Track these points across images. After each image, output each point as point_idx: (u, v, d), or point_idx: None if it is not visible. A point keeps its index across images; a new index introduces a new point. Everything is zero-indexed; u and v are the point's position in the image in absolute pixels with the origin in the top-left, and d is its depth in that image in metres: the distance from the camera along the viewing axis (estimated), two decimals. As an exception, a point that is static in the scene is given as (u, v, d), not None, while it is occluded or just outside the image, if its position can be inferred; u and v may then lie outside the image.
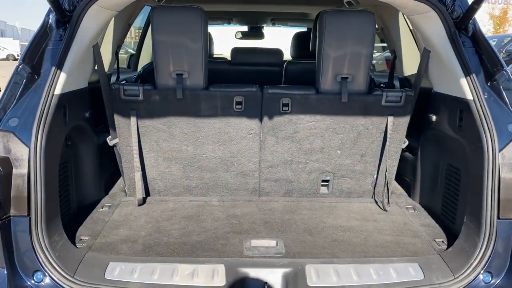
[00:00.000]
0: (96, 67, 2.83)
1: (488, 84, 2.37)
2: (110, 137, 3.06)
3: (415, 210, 3.01)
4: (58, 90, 2.32)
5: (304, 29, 6.22)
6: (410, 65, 3.73)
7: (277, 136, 2.96)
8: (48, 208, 2.19)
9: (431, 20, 2.52)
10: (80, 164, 2.92)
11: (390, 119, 2.88)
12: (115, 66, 3.60)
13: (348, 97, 2.81)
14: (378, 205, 3.10)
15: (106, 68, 3.14)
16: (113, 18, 3.12)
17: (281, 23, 6.40)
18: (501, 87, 2.34)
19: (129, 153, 3.00)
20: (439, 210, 2.89)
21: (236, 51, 3.86)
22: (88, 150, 2.99)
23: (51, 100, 2.27)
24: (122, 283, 2.14)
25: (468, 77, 2.40)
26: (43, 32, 2.40)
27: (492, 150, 2.22)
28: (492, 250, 2.18)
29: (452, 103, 2.60)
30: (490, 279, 2.16)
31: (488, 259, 2.17)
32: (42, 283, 2.08)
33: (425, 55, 2.81)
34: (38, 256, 2.10)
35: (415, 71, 3.53)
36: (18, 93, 2.23)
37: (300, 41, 4.64)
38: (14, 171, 2.11)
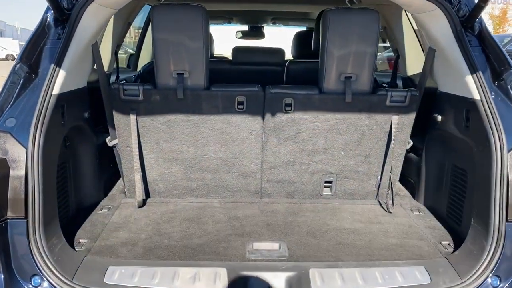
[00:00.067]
0: (95, 67, 2.78)
1: (496, 84, 2.32)
2: (109, 137, 3.01)
3: (419, 211, 2.96)
4: (56, 90, 2.27)
5: (304, 29, 6.20)
6: (413, 64, 3.69)
7: (280, 137, 2.92)
8: (46, 211, 2.14)
9: (437, 18, 2.48)
10: (79, 165, 2.87)
11: (395, 119, 2.84)
12: (115, 65, 3.55)
13: (352, 97, 2.76)
14: (382, 207, 3.06)
15: (106, 68, 3.09)
16: (112, 17, 3.08)
17: (281, 22, 6.37)
18: (508, 86, 2.30)
19: (129, 154, 2.95)
20: (444, 212, 2.84)
21: (237, 51, 3.81)
22: (87, 151, 2.94)
23: (49, 100, 2.22)
24: None
25: (475, 77, 2.36)
26: (41, 31, 2.36)
27: (501, 151, 2.18)
28: (500, 253, 2.13)
29: (459, 103, 2.55)
30: (499, 283, 2.11)
31: (497, 262, 2.12)
32: (40, 288, 2.03)
33: (430, 54, 2.77)
34: (36, 260, 2.05)
35: (418, 71, 3.49)
36: (16, 93, 2.18)
37: (301, 41, 4.59)
38: (11, 172, 2.07)
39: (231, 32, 7.03)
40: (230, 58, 3.95)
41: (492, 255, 2.14)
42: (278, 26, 6.91)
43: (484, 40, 2.43)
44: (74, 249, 2.38)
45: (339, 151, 2.96)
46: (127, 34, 4.10)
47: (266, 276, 2.18)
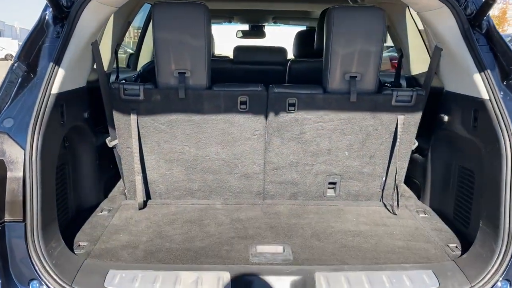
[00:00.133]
0: (95, 66, 2.73)
1: (504, 83, 2.27)
2: (109, 138, 2.96)
3: (425, 213, 2.91)
4: (55, 89, 2.22)
5: (305, 28, 6.15)
6: (417, 64, 3.64)
7: (283, 137, 2.86)
8: (44, 213, 2.10)
9: (444, 16, 2.43)
10: (79, 166, 2.82)
11: (400, 119, 2.78)
12: (114, 65, 3.50)
13: (356, 97, 2.71)
14: (387, 209, 3.01)
15: (105, 67, 3.04)
16: (112, 16, 3.02)
17: (282, 21, 6.31)
18: None
19: (129, 155, 2.90)
20: (451, 213, 2.79)
21: (238, 50, 3.76)
22: (87, 152, 2.89)
23: (48, 99, 2.17)
24: None
25: (483, 76, 2.31)
26: (40, 29, 2.31)
27: (511, 151, 2.13)
28: (511, 257, 2.08)
29: (466, 103, 2.50)
30: (509, 287, 2.06)
31: (507, 266, 2.07)
32: (38, 293, 1.98)
33: (437, 53, 2.71)
34: (34, 264, 2.01)
35: (422, 70, 3.45)
36: (13, 92, 2.13)
37: (303, 40, 4.54)
38: (8, 174, 2.02)
39: (231, 31, 6.99)
40: (231, 57, 3.90)
41: (502, 258, 2.09)
42: (279, 25, 6.86)
43: (492, 38, 2.39)
44: (74, 252, 2.33)
45: (344, 152, 2.91)
46: (126, 34, 4.04)
47: (271, 280, 2.13)
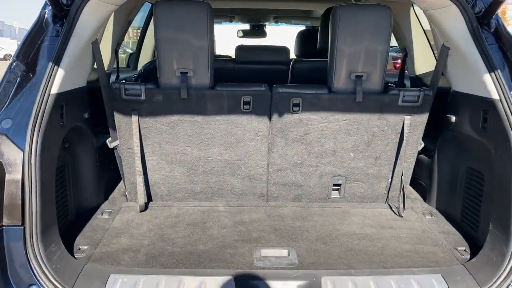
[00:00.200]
0: (95, 65, 2.68)
1: None
2: (110, 139, 2.91)
3: (432, 216, 2.86)
4: (54, 89, 2.17)
5: (304, 27, 6.10)
6: (422, 63, 3.59)
7: (287, 138, 2.81)
8: (44, 216, 2.04)
9: (451, 15, 2.37)
10: (79, 168, 2.76)
11: (407, 120, 2.73)
12: (115, 64, 3.45)
13: (362, 97, 2.65)
14: (393, 211, 2.95)
15: (106, 67, 2.99)
16: (112, 15, 2.97)
17: (284, 21, 6.26)
18: None
19: (130, 156, 2.85)
20: (458, 216, 2.74)
21: (240, 49, 3.70)
22: (87, 153, 2.83)
23: (47, 100, 2.11)
24: None
25: (493, 75, 2.25)
26: (39, 28, 2.25)
27: None
28: None
29: (475, 103, 2.45)
30: (520, 291, 2.01)
31: None
32: (38, 298, 1.93)
33: (444, 52, 2.66)
34: (33, 268, 1.95)
35: (427, 70, 3.41)
36: (12, 92, 2.08)
37: (305, 39, 4.49)
38: (7, 176, 1.96)
39: (232, 31, 6.93)
40: (233, 57, 3.84)
41: None
42: (279, 25, 6.80)
43: (501, 37, 2.33)
44: (74, 256, 2.27)
45: (349, 153, 2.86)
46: (126, 34, 3.99)
47: (276, 285, 2.08)
